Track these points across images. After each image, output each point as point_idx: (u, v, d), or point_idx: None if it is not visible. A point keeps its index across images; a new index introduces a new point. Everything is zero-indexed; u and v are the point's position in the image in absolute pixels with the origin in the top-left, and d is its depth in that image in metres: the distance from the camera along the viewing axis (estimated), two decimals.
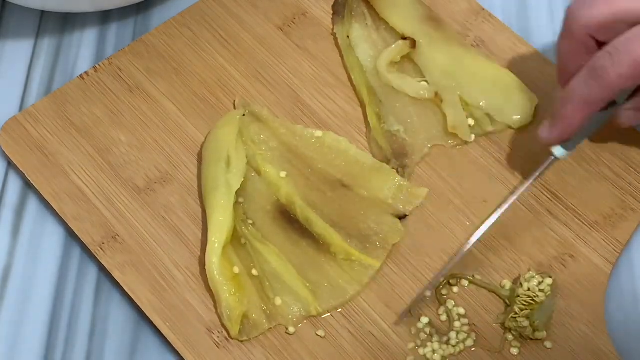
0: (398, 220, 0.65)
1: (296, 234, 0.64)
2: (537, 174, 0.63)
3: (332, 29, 0.74)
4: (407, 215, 0.65)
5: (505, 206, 0.63)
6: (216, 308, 0.62)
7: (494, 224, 0.63)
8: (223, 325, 0.61)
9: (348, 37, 0.73)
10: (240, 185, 0.65)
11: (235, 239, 0.64)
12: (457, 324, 0.61)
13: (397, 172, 0.67)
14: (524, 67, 0.72)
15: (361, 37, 0.73)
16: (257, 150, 0.67)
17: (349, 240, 0.64)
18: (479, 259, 0.64)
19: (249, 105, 0.69)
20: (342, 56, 0.73)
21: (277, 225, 0.65)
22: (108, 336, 0.63)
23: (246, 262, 0.64)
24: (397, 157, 0.68)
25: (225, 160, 0.66)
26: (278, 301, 0.62)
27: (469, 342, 0.61)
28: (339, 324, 0.62)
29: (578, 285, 0.63)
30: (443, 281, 0.63)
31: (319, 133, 0.68)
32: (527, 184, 0.63)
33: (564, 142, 0.63)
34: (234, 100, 0.70)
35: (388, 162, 0.67)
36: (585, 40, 0.59)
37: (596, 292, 0.63)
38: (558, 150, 0.63)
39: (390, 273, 0.64)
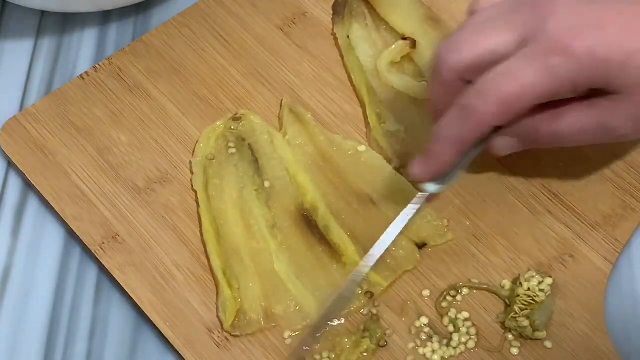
0: (417, 249, 0.64)
1: (313, 239, 0.64)
2: (414, 212, 0.60)
3: (332, 29, 0.74)
4: (425, 245, 0.65)
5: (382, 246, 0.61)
6: (217, 306, 0.62)
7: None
8: (219, 318, 0.62)
9: (348, 37, 0.73)
10: (270, 184, 0.66)
11: (249, 233, 0.64)
12: (463, 329, 0.61)
13: (399, 172, 0.67)
14: None
15: (361, 37, 0.73)
16: (292, 152, 0.67)
17: (362, 255, 0.64)
18: (479, 259, 0.64)
19: (295, 107, 0.69)
20: (342, 56, 0.73)
21: (297, 227, 0.65)
22: (108, 336, 0.63)
23: (256, 256, 0.64)
24: (398, 156, 0.68)
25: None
26: (280, 303, 0.62)
27: (471, 344, 0.61)
28: (340, 325, 0.62)
29: (578, 285, 0.63)
30: (443, 293, 0.63)
31: (362, 147, 0.68)
32: (405, 221, 0.61)
33: (438, 178, 0.60)
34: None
35: (389, 161, 0.67)
36: (455, 83, 0.59)
37: (596, 292, 0.63)
38: (430, 187, 0.60)
39: None
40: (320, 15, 0.75)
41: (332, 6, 0.75)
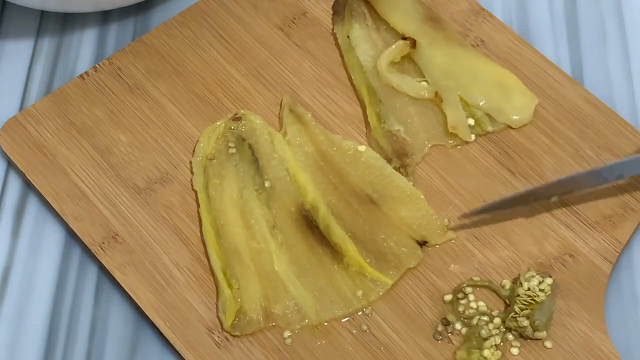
0: (418, 246, 0.64)
1: (314, 239, 0.64)
2: None
3: (332, 29, 0.74)
4: (426, 242, 0.64)
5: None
6: (217, 306, 0.62)
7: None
8: (219, 318, 0.62)
9: (348, 37, 0.73)
10: (270, 184, 0.66)
11: (249, 233, 0.64)
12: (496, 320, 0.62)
13: (399, 171, 0.67)
14: (524, 67, 0.72)
15: (361, 37, 0.73)
16: (292, 151, 0.67)
17: (364, 254, 0.64)
18: (479, 259, 0.64)
19: (295, 107, 0.69)
20: (342, 56, 0.73)
21: (297, 227, 0.65)
22: (108, 336, 0.63)
23: (256, 256, 0.64)
24: (398, 156, 0.68)
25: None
26: (279, 303, 0.62)
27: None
28: (340, 325, 0.62)
29: (578, 285, 0.63)
30: (453, 298, 0.63)
31: (362, 147, 0.68)
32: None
33: None
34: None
35: (389, 161, 0.67)
36: None
37: (596, 291, 0.63)
38: None
39: None
40: (320, 15, 0.75)
41: (332, 6, 0.75)
